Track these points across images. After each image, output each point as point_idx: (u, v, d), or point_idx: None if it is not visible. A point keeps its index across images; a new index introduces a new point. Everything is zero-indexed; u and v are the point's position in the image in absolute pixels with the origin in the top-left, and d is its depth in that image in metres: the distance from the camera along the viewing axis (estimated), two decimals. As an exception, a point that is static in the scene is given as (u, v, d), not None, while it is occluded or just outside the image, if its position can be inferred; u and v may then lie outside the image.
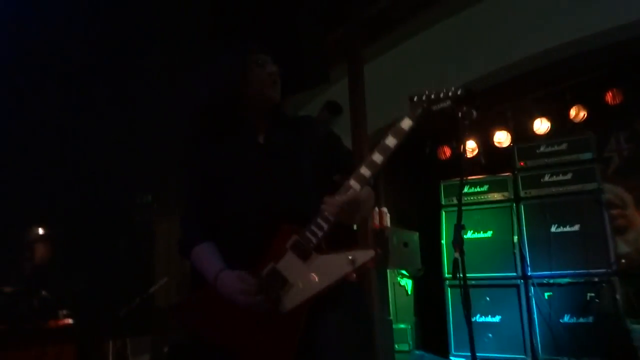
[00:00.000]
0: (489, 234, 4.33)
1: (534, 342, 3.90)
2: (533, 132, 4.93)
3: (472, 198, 4.48)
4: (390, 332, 3.93)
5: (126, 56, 3.45)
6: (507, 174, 4.45)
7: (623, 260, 4.01)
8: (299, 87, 3.72)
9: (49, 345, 2.99)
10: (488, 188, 4.47)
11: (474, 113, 1.88)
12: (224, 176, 1.69)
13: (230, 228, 1.66)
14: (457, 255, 2.85)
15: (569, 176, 4.12)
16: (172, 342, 3.39)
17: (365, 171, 1.53)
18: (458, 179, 4.45)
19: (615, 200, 4.43)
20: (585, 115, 4.72)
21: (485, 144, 5.19)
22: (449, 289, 4.37)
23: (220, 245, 1.67)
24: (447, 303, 4.35)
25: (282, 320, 1.52)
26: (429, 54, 4.51)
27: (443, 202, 4.63)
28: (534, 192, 4.23)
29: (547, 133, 4.87)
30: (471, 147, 5.26)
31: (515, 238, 4.16)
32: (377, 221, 4.22)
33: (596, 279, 3.78)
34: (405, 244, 4.49)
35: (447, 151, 5.49)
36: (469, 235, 4.31)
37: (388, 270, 4.17)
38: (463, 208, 3.13)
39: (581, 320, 3.77)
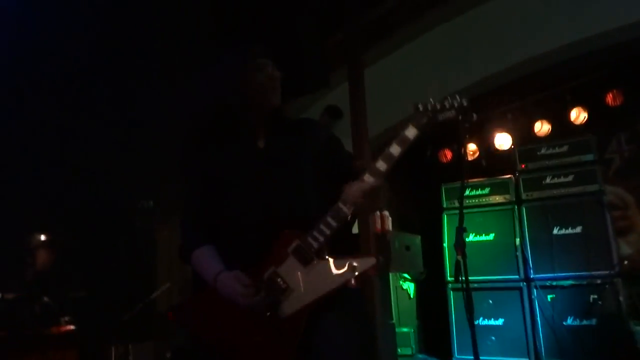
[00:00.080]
0: (491, 236, 4.31)
1: (537, 345, 3.89)
2: (534, 134, 4.93)
3: (473, 201, 4.48)
4: (392, 336, 3.92)
5: (128, 60, 3.46)
6: (508, 176, 4.44)
7: (625, 262, 4.00)
8: (299, 91, 3.72)
9: (51, 352, 2.99)
10: (489, 191, 4.46)
11: (474, 116, 1.88)
12: (224, 180, 1.69)
13: (231, 232, 1.67)
14: (459, 258, 2.84)
15: (570, 178, 4.11)
16: (174, 347, 3.38)
17: (369, 179, 1.54)
18: (459, 182, 4.45)
19: (617, 202, 4.43)
20: (586, 117, 4.72)
21: (486, 146, 5.19)
22: (451, 292, 4.36)
23: (221, 249, 1.67)
24: (449, 306, 4.34)
25: (281, 325, 1.52)
26: (429, 57, 4.51)
27: (444, 205, 4.62)
28: (535, 194, 4.22)
29: (548, 135, 4.87)
30: (472, 149, 5.25)
31: (517, 240, 4.15)
32: (378, 225, 4.21)
33: (599, 281, 3.77)
34: (407, 248, 4.48)
35: (448, 154, 5.49)
36: (471, 238, 4.30)
37: (390, 274, 4.16)
38: (465, 211, 3.14)
39: (584, 322, 3.75)
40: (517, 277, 4.09)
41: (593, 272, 3.80)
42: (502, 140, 5.07)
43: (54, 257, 3.62)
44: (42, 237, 3.62)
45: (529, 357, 3.90)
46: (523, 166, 4.35)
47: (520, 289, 4.06)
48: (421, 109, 1.56)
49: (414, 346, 4.18)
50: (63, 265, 3.65)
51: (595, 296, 3.75)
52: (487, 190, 4.47)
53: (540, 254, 4.04)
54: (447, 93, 4.95)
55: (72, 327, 3.18)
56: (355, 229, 3.66)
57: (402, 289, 4.45)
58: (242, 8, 3.46)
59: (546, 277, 3.96)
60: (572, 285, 3.86)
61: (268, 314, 1.53)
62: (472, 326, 2.76)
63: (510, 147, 4.97)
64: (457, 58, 4.50)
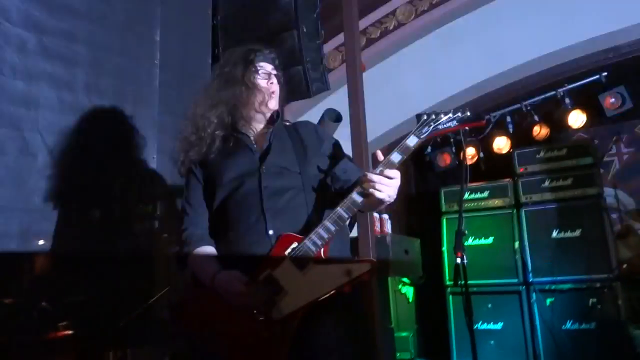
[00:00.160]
0: (490, 240, 4.31)
1: (537, 349, 3.88)
2: (533, 137, 4.93)
3: (472, 204, 4.48)
4: (392, 340, 3.91)
5: (125, 66, 3.46)
6: (507, 179, 4.44)
7: (624, 266, 3.99)
8: (298, 95, 3.73)
9: (48, 357, 2.97)
10: (489, 194, 4.47)
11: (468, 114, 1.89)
12: (223, 183, 1.70)
13: (229, 235, 1.68)
14: (458, 261, 2.84)
15: (569, 181, 4.11)
16: (172, 352, 3.37)
17: (368, 186, 1.54)
18: (458, 185, 4.45)
19: (616, 205, 4.43)
20: (584, 120, 4.72)
21: (485, 150, 5.19)
22: (450, 296, 4.35)
23: (219, 251, 1.69)
24: (448, 310, 4.33)
25: (275, 326, 1.54)
26: (428, 60, 4.52)
27: (443, 209, 4.62)
28: (534, 197, 4.23)
29: (547, 138, 4.87)
30: (471, 153, 5.26)
31: (517, 244, 4.15)
32: (378, 228, 4.21)
33: (598, 285, 3.76)
34: (406, 251, 4.48)
35: (447, 158, 5.49)
36: (470, 241, 4.30)
37: (389, 278, 4.15)
38: (464, 214, 3.14)
39: (584, 326, 3.75)
40: (516, 280, 4.09)
41: (592, 276, 3.80)
42: (501, 144, 5.08)
43: (52, 262, 3.60)
44: (40, 242, 3.61)
45: (529, 362, 3.90)
46: (522, 170, 4.35)
47: (519, 292, 4.05)
48: (424, 118, 1.59)
49: (412, 350, 4.16)
50: (61, 270, 3.64)
51: (595, 300, 3.74)
52: (486, 194, 4.48)
53: (539, 258, 4.04)
54: (446, 96, 5.00)
55: (70, 332, 3.16)
56: (354, 232, 3.66)
57: (401, 293, 4.44)
58: (241, 11, 3.47)
59: (545, 280, 3.96)
60: (571, 289, 3.86)
61: (261, 318, 1.54)
62: (471, 330, 2.76)
63: (509, 150, 4.98)
64: (457, 61, 4.51)
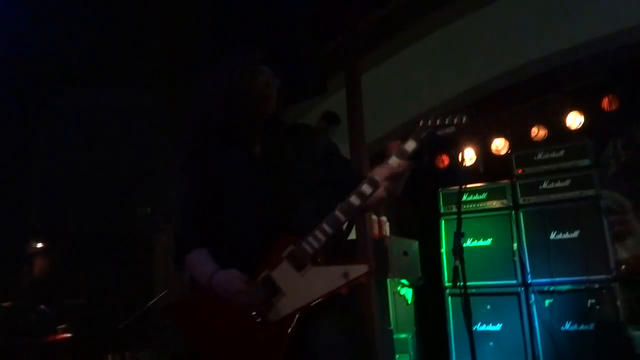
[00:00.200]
0: (489, 241, 4.32)
1: (536, 350, 3.88)
2: (530, 139, 4.94)
3: (471, 206, 4.48)
4: (391, 342, 3.91)
5: (125, 65, 3.46)
6: (505, 181, 4.45)
7: (623, 267, 4.00)
8: (296, 97, 3.73)
9: (48, 360, 2.97)
10: (487, 196, 4.47)
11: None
12: (220, 187, 1.71)
13: (226, 237, 1.68)
14: (457, 263, 2.85)
15: (567, 183, 4.12)
16: (172, 355, 3.37)
17: (367, 189, 1.56)
18: (457, 187, 4.45)
19: (613, 206, 4.43)
20: (582, 122, 4.73)
21: (483, 151, 5.20)
22: (449, 297, 4.35)
23: (216, 254, 1.68)
24: (447, 312, 4.33)
25: (271, 328, 1.54)
26: (426, 62, 4.53)
27: (442, 211, 4.62)
28: (532, 199, 4.23)
29: (545, 140, 4.88)
30: (469, 155, 5.26)
31: (515, 245, 4.15)
32: (376, 230, 4.21)
33: (596, 286, 3.77)
34: (405, 253, 4.48)
35: (445, 159, 5.50)
36: (469, 243, 4.31)
37: (388, 280, 4.15)
38: (462, 216, 3.14)
39: (582, 327, 3.75)
40: (514, 282, 4.10)
41: (590, 277, 3.80)
42: (499, 145, 5.09)
43: (51, 264, 3.61)
44: (39, 245, 3.61)
45: (528, 363, 3.90)
46: (520, 171, 4.36)
47: (518, 294, 4.06)
48: (422, 123, 1.59)
49: (412, 352, 4.16)
50: (60, 272, 3.64)
51: (593, 301, 3.75)
52: (484, 196, 4.48)
53: (537, 259, 4.04)
54: (444, 98, 5.00)
55: (68, 335, 3.16)
56: (352, 235, 3.66)
57: (400, 294, 4.44)
58: (240, 13, 3.47)
59: (544, 282, 3.97)
60: (569, 290, 3.86)
61: (258, 319, 1.54)
62: (470, 331, 2.77)
63: (507, 152, 4.98)
64: (454, 63, 4.51)
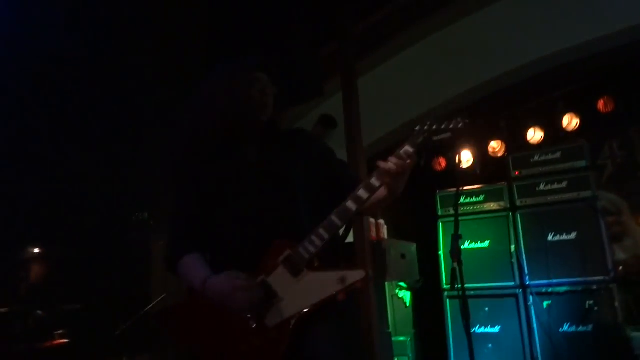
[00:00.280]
0: (486, 243, 4.32)
1: (534, 352, 3.88)
2: (527, 141, 4.96)
3: (468, 208, 4.48)
4: (389, 344, 3.91)
5: (123, 72, 3.47)
6: (502, 183, 4.45)
7: (621, 268, 4.00)
8: (293, 101, 3.74)
9: (45, 366, 2.95)
10: (484, 198, 4.47)
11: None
12: (216, 192, 1.70)
13: (222, 243, 1.67)
14: (455, 265, 2.85)
15: (564, 184, 4.13)
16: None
17: (363, 193, 1.56)
18: (454, 189, 4.46)
19: (610, 208, 4.44)
20: (578, 124, 4.75)
21: (480, 154, 5.21)
22: (447, 300, 4.35)
23: (211, 259, 1.68)
24: (446, 314, 4.32)
25: (268, 334, 1.53)
26: (422, 66, 4.55)
27: (440, 213, 4.62)
28: (529, 201, 4.23)
29: (541, 142, 4.90)
30: (466, 157, 5.28)
31: (513, 247, 4.15)
32: (374, 233, 4.21)
33: (594, 287, 3.77)
34: (403, 256, 4.48)
35: (443, 162, 5.51)
36: (466, 245, 4.30)
37: (386, 283, 4.15)
38: (460, 218, 3.14)
39: (581, 328, 3.75)
40: (512, 284, 4.09)
41: (588, 278, 3.80)
42: (496, 148, 5.10)
43: (48, 270, 3.59)
44: (36, 250, 3.60)
45: (526, 365, 3.89)
46: (517, 173, 4.36)
47: (516, 296, 4.05)
48: (418, 128, 1.60)
49: (410, 355, 4.16)
50: (57, 278, 3.62)
51: (591, 302, 3.75)
52: (481, 198, 4.48)
53: (535, 261, 4.04)
54: (440, 101, 5.01)
55: (66, 340, 3.14)
56: (350, 238, 3.66)
57: (398, 297, 4.44)
58: (237, 19, 3.48)
59: (542, 283, 3.96)
60: (567, 292, 3.86)
61: (254, 325, 1.53)
62: (468, 334, 2.77)
63: (504, 154, 5.00)
64: (450, 66, 4.53)
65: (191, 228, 1.72)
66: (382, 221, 4.42)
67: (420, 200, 4.82)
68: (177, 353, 1.69)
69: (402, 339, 4.19)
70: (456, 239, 2.92)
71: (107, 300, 3.61)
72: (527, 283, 4.02)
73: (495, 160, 5.06)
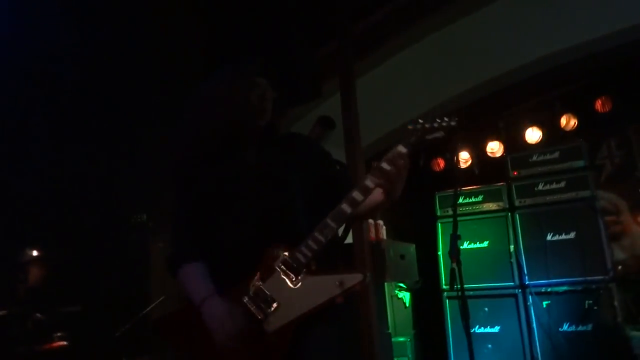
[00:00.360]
0: (485, 244, 4.32)
1: (534, 351, 3.88)
2: (525, 141, 4.96)
3: (467, 208, 4.49)
4: (389, 345, 3.91)
5: (122, 75, 3.46)
6: (501, 183, 4.46)
7: (620, 267, 4.01)
8: (291, 102, 3.73)
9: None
10: (483, 198, 4.48)
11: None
12: (215, 195, 1.70)
13: (219, 247, 1.66)
14: (454, 265, 2.86)
15: (562, 184, 4.13)
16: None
17: (357, 195, 1.55)
18: (453, 190, 4.46)
19: (609, 207, 4.45)
20: (576, 124, 4.76)
21: (479, 154, 5.22)
22: (447, 300, 4.35)
23: (209, 263, 1.67)
24: (445, 315, 4.33)
25: (267, 340, 1.52)
26: (421, 66, 4.55)
27: (438, 214, 4.63)
28: (528, 201, 4.24)
29: (539, 142, 4.90)
30: (464, 158, 5.28)
31: (512, 247, 4.16)
32: (373, 234, 4.21)
33: (594, 286, 3.77)
34: (402, 257, 4.48)
35: (441, 162, 5.52)
36: (465, 245, 4.31)
37: (386, 284, 4.15)
38: (458, 219, 3.15)
39: (580, 328, 3.76)
40: (512, 284, 4.10)
41: (588, 278, 3.80)
42: (494, 148, 5.11)
43: (46, 272, 3.58)
44: (34, 253, 3.59)
45: (526, 364, 3.89)
46: (515, 173, 4.37)
47: (515, 295, 4.06)
48: (411, 127, 1.58)
49: (410, 355, 4.16)
50: (55, 280, 3.61)
51: (591, 302, 3.75)
52: (480, 198, 4.49)
53: (534, 261, 4.04)
54: (438, 101, 5.00)
55: (64, 343, 3.14)
56: (349, 239, 3.66)
57: (398, 298, 4.44)
58: (236, 18, 3.48)
59: (541, 283, 3.97)
60: (567, 291, 3.87)
61: (252, 333, 1.52)
62: (468, 334, 2.77)
63: (502, 154, 5.00)
64: (448, 67, 4.53)
65: (193, 231, 1.71)
66: (381, 222, 4.42)
67: (419, 201, 4.83)
68: (177, 356, 1.67)
69: (401, 339, 4.19)
70: (455, 240, 2.92)
71: (106, 302, 3.60)
72: (527, 283, 4.03)
73: (493, 160, 5.06)
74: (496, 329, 4.09)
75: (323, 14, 3.89)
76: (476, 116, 5.06)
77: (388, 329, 4.05)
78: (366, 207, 1.65)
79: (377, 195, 1.60)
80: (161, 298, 3.63)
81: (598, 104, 4.65)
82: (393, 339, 4.04)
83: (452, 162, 5.19)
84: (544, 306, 3.90)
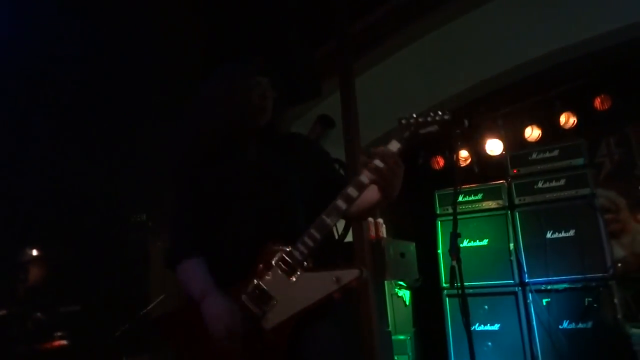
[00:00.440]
0: (485, 242, 4.33)
1: (534, 349, 3.89)
2: (525, 139, 4.97)
3: (467, 207, 4.50)
4: (389, 343, 3.91)
5: (121, 76, 3.46)
6: (500, 181, 4.47)
7: (619, 265, 4.02)
8: (291, 101, 3.73)
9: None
10: (482, 196, 4.49)
11: (466, 122, 1.90)
12: (215, 194, 1.70)
13: (219, 245, 1.67)
14: (454, 263, 2.86)
15: (562, 182, 4.14)
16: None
17: (352, 191, 1.54)
18: (452, 188, 4.47)
19: (608, 205, 4.46)
20: (575, 122, 4.77)
21: (478, 152, 5.22)
22: (447, 298, 4.36)
23: (208, 261, 1.67)
24: (445, 313, 4.34)
25: (266, 337, 1.53)
26: (420, 65, 4.55)
27: (438, 212, 4.64)
28: (528, 199, 4.25)
29: (539, 140, 4.91)
30: (464, 156, 5.28)
31: (512, 245, 4.16)
32: (373, 232, 4.21)
33: (594, 284, 3.78)
34: (402, 255, 4.48)
35: (441, 161, 5.52)
36: (465, 243, 4.31)
37: (386, 282, 4.15)
38: (458, 217, 3.15)
39: (580, 325, 3.76)
40: (512, 281, 4.10)
41: (587, 275, 3.81)
42: (494, 146, 5.11)
43: (46, 272, 3.58)
44: (34, 252, 3.59)
45: (526, 362, 3.90)
46: (515, 171, 4.38)
47: (515, 293, 4.07)
48: (404, 122, 1.58)
49: (410, 353, 4.16)
50: (55, 280, 3.61)
51: (591, 299, 3.76)
52: (480, 196, 4.49)
53: (534, 258, 4.05)
54: (438, 100, 5.01)
55: (65, 342, 3.14)
56: (349, 237, 3.66)
57: (398, 296, 4.44)
58: (234, 21, 3.48)
59: (541, 281, 3.98)
60: (567, 289, 3.87)
61: (250, 331, 1.53)
62: (468, 331, 2.77)
63: (502, 152, 5.01)
64: (447, 65, 4.54)
65: (192, 228, 1.72)
66: (380, 220, 4.42)
67: (419, 199, 4.84)
68: (177, 355, 1.67)
69: (402, 337, 4.19)
70: (455, 238, 2.93)
71: (106, 301, 3.60)
72: (526, 281, 4.03)
73: (493, 158, 5.07)
74: (496, 326, 4.09)
75: (322, 13, 3.89)
76: (476, 115, 5.07)
77: (388, 327, 4.06)
78: (363, 206, 1.65)
79: (374, 193, 1.60)
80: (161, 297, 3.63)
81: (597, 102, 4.66)
82: (393, 337, 4.04)
83: (452, 161, 5.19)
84: (544, 304, 3.91)
